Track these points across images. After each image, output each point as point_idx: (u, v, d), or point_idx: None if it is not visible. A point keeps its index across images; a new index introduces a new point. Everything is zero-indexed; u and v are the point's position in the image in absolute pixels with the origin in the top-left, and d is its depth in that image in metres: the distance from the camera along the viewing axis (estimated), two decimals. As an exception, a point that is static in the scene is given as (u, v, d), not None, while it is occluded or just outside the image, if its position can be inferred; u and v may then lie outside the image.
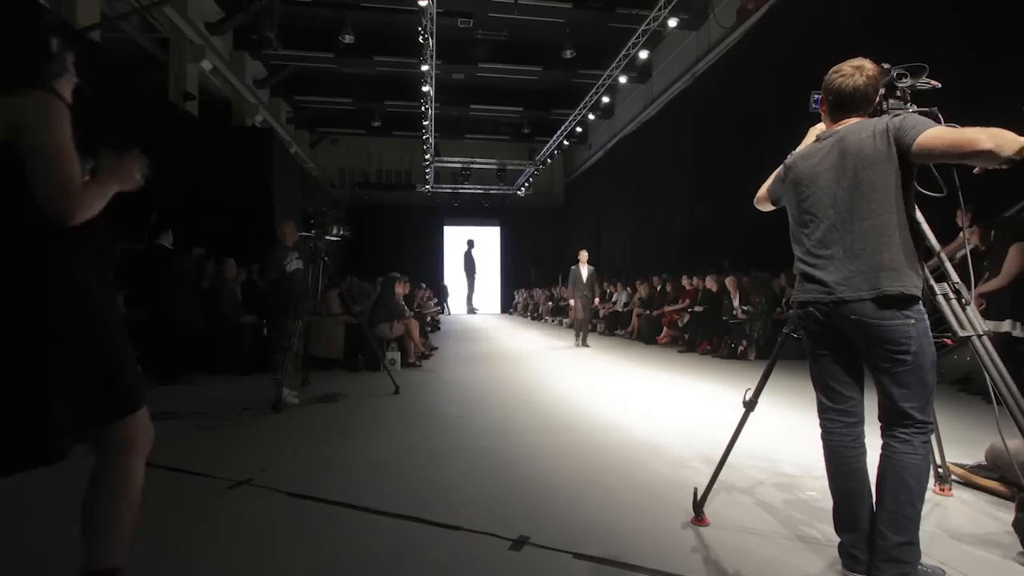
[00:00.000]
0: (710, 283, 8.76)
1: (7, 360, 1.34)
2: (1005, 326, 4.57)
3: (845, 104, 1.83)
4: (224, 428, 4.00)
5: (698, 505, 2.27)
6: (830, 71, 1.86)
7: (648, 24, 11.05)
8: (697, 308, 8.82)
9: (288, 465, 3.12)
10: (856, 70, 1.80)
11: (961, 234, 5.42)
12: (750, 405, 2.22)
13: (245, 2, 11.25)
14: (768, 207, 2.18)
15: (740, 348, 7.64)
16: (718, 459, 2.29)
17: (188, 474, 2.89)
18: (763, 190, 2.16)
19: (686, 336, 8.90)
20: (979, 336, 1.82)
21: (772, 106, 8.27)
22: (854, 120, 1.83)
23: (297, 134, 18.57)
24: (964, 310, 1.86)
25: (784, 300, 7.62)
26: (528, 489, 2.71)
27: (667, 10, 10.46)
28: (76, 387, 1.39)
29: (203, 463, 3.04)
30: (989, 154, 1.52)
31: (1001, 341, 4.54)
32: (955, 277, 1.90)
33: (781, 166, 2.03)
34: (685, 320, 9.09)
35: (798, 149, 2.00)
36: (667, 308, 9.79)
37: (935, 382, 1.74)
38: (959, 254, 5.35)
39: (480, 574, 1.94)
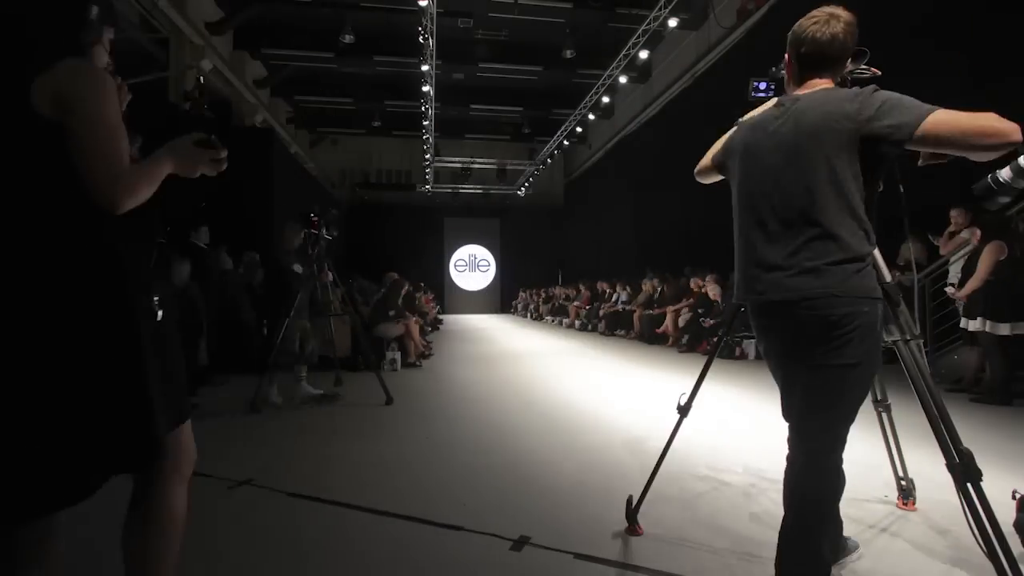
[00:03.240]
0: (695, 284, 8.81)
1: (70, 358, 1.18)
2: (975, 324, 4.60)
3: (822, 55, 1.55)
4: (224, 428, 3.99)
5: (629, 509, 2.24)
6: (802, 19, 1.58)
7: (648, 24, 11.04)
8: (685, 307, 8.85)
9: (288, 465, 3.12)
10: (831, 16, 1.53)
11: (961, 234, 5.46)
12: (684, 410, 2.16)
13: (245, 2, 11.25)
14: (713, 178, 1.90)
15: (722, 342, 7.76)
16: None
17: (188, 474, 2.89)
18: (707, 159, 1.87)
19: (686, 337, 8.89)
20: (906, 341, 1.64)
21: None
22: (821, 85, 1.56)
23: (297, 134, 18.57)
24: (895, 313, 1.64)
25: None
26: (529, 489, 2.71)
27: (667, 10, 10.45)
28: (103, 401, 1.20)
29: (203, 463, 3.01)
30: (1013, 147, 1.31)
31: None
32: (887, 277, 1.69)
33: (730, 132, 1.79)
34: (685, 321, 9.09)
35: (748, 115, 1.76)
36: (668, 309, 9.78)
37: (858, 403, 1.52)
38: (960, 254, 5.37)
39: (481, 574, 1.94)
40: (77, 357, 1.18)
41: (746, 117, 1.76)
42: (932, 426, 1.52)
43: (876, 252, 1.59)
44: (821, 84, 1.57)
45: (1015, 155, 1.41)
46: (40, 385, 1.15)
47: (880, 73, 1.69)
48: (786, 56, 1.64)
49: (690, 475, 2.79)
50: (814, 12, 1.56)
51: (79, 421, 1.17)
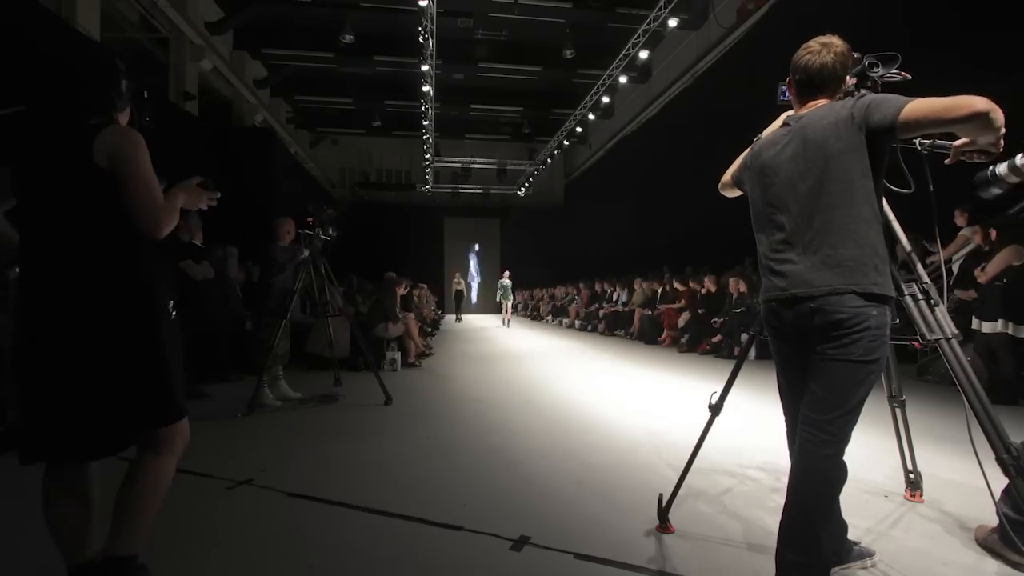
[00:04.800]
0: (708, 283, 8.78)
1: (115, 343, 1.57)
2: (998, 326, 4.61)
3: (812, 83, 1.71)
4: (224, 429, 3.99)
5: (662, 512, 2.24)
6: (799, 49, 1.74)
7: (648, 24, 11.05)
8: (683, 311, 8.84)
9: (288, 465, 3.12)
10: (824, 47, 1.69)
11: (961, 234, 5.45)
12: (716, 409, 2.20)
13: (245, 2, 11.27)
14: (733, 192, 2.05)
15: (720, 341, 7.96)
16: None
17: (189, 474, 2.89)
18: (728, 175, 2.04)
19: (685, 336, 8.89)
20: (948, 339, 1.73)
21: (772, 106, 8.26)
22: (820, 103, 1.71)
23: (297, 134, 18.57)
24: (933, 312, 1.77)
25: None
26: (529, 489, 2.71)
27: (667, 10, 10.46)
28: (138, 374, 1.59)
29: (203, 463, 3.03)
30: (984, 118, 1.40)
31: (995, 340, 4.61)
32: (925, 277, 1.81)
33: (747, 150, 1.91)
34: (686, 320, 9.09)
35: (765, 133, 1.87)
36: (666, 307, 9.79)
37: (862, 400, 1.57)
38: (961, 253, 5.36)
39: (481, 574, 1.94)
40: (123, 342, 1.58)
41: (763, 134, 1.88)
42: (979, 420, 1.60)
43: (914, 254, 1.78)
44: (819, 102, 1.72)
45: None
46: (95, 362, 1.55)
47: (911, 77, 1.85)
48: (788, 80, 1.81)
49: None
50: (810, 43, 1.73)
51: (121, 388, 1.57)
